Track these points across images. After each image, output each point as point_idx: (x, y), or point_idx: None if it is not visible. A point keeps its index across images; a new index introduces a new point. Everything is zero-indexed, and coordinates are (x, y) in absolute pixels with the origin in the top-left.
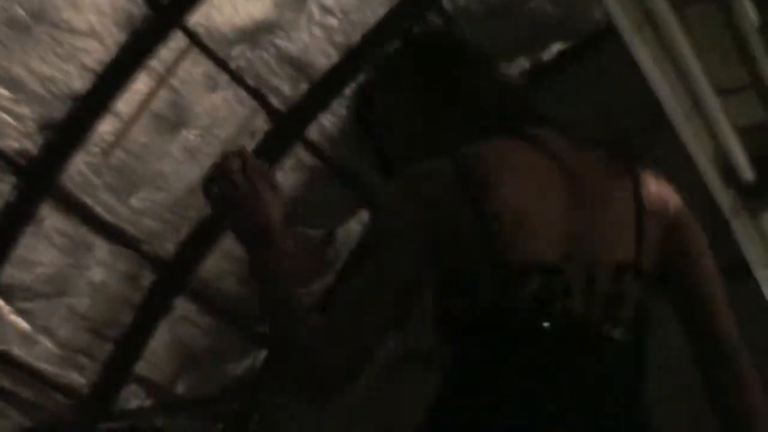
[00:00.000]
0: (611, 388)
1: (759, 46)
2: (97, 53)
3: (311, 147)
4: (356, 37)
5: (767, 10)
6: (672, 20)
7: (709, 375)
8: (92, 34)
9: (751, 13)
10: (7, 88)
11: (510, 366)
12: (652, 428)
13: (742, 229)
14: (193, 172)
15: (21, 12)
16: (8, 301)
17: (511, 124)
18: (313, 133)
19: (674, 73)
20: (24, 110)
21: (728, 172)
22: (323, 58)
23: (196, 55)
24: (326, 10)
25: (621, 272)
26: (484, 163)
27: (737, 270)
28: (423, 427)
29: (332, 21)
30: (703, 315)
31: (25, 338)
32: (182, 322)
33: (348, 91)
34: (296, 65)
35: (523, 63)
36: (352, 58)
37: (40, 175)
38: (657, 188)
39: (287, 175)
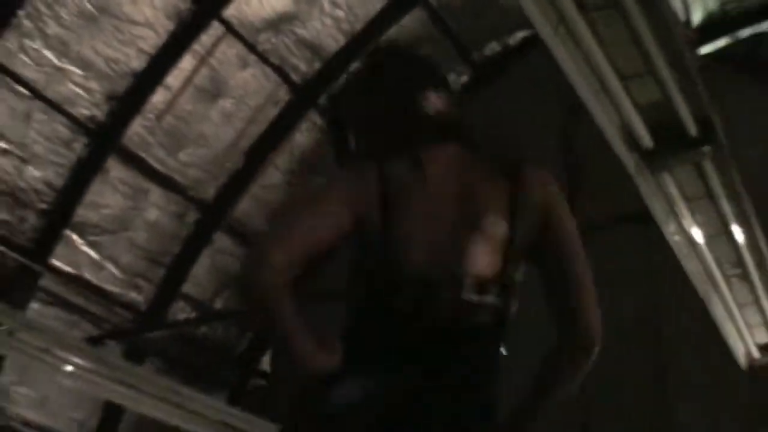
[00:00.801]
0: (460, 369)
1: (652, 42)
2: (150, 39)
3: (323, 113)
4: (359, 26)
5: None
6: (581, 21)
7: (559, 344)
8: (147, 24)
9: (645, 16)
10: (79, 67)
11: (383, 349)
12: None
13: (645, 186)
14: (228, 133)
15: (89, 6)
16: (81, 235)
17: (416, 145)
18: (324, 101)
19: (585, 62)
20: (93, 85)
21: (632, 140)
22: (332, 42)
23: (230, 40)
24: (335, 4)
25: (485, 284)
26: (395, 184)
27: (642, 216)
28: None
29: (339, 13)
30: (564, 293)
31: (95, 265)
32: (220, 252)
33: (352, 67)
34: (311, 48)
35: (494, 46)
36: (355, 43)
37: (106, 136)
38: (535, 187)
39: (304, 135)
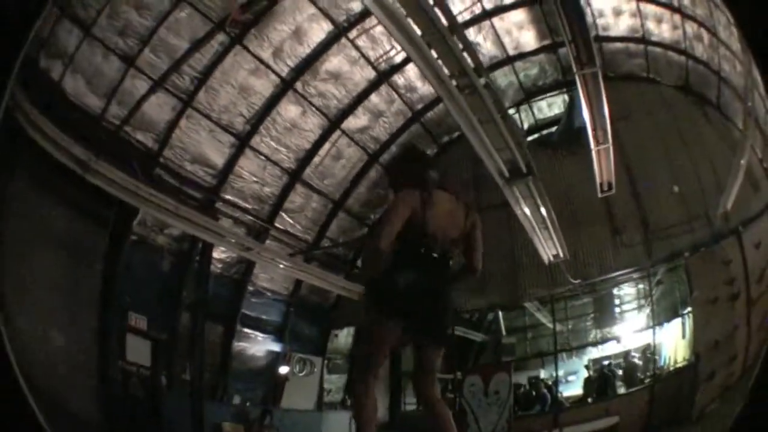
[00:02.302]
0: (441, 278)
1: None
2: None
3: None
4: None
5: None
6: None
7: (465, 268)
8: None
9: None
10: None
11: (408, 263)
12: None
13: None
14: None
15: None
16: None
17: (429, 188)
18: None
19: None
20: None
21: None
22: None
23: None
24: None
25: (453, 242)
26: (428, 199)
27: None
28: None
29: None
30: (471, 251)
31: None
32: None
33: None
34: None
35: None
36: None
37: None
38: (472, 215)
39: None
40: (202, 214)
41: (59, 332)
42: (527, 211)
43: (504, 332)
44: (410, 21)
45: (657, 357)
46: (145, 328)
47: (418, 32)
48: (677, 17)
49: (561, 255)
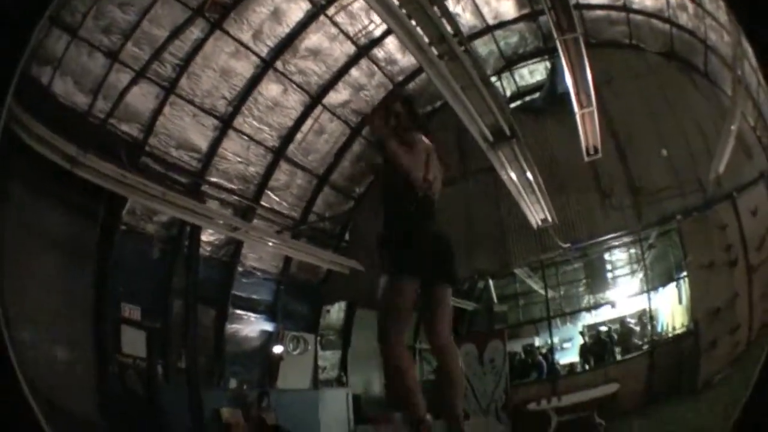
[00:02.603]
0: (433, 228)
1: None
2: None
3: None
4: None
5: None
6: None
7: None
8: None
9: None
10: None
11: (401, 215)
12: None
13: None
14: None
15: None
16: None
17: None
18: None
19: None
20: None
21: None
22: None
23: None
24: None
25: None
26: (414, 146)
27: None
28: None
29: None
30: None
31: None
32: None
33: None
34: None
35: None
36: None
37: None
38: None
39: None
40: (189, 198)
41: (58, 331)
42: (513, 175)
43: (495, 300)
44: None
45: (654, 323)
46: (139, 318)
47: (396, 2)
48: None
49: (549, 219)
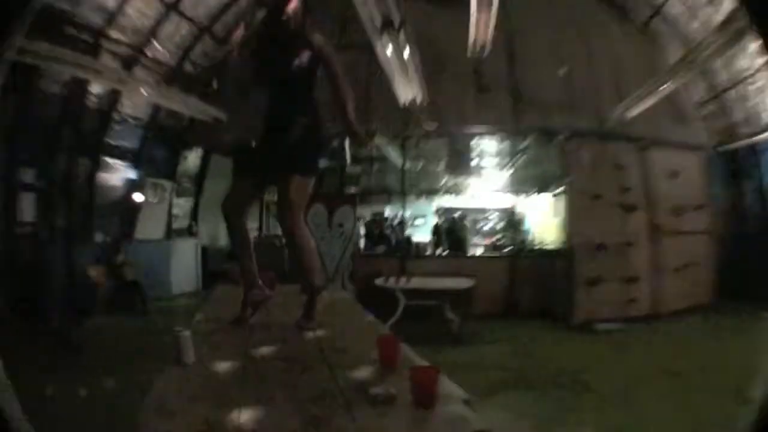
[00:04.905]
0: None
1: None
2: None
3: None
4: None
5: None
6: None
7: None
8: None
9: None
10: None
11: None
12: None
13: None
14: None
15: None
16: None
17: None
18: None
19: None
20: None
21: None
22: None
23: None
24: None
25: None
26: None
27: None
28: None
29: None
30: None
31: None
32: None
33: None
34: None
35: None
36: None
37: None
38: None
39: None
40: (80, 53)
41: None
42: (389, 52)
43: (349, 160)
44: None
45: (520, 227)
46: (33, 181)
47: None
48: None
49: (419, 99)
